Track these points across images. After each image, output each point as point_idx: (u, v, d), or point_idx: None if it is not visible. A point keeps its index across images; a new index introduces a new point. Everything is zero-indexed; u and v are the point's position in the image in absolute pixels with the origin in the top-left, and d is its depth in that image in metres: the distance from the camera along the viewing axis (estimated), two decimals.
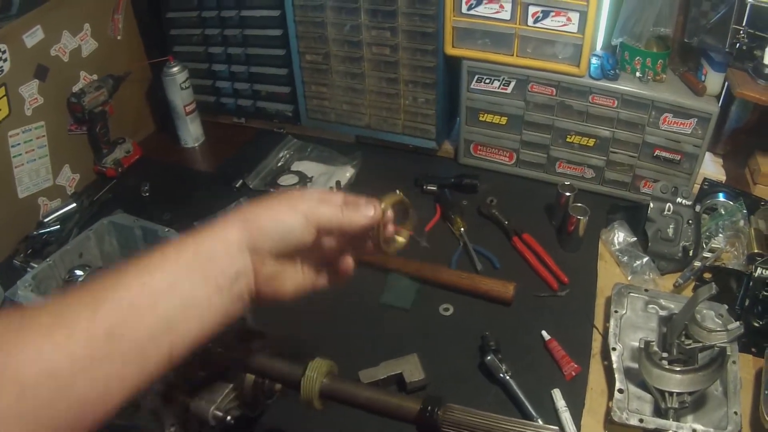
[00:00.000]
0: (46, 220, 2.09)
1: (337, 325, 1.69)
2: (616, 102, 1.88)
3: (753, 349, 1.56)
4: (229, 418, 1.25)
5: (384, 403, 1.10)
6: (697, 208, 1.82)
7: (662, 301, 1.64)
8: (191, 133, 2.45)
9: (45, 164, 2.10)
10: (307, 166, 2.26)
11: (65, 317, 0.68)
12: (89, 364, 0.67)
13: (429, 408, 1.05)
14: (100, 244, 1.56)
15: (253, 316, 1.45)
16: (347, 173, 2.20)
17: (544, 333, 1.61)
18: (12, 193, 2.01)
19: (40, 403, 0.63)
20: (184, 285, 0.77)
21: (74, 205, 2.13)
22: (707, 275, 1.70)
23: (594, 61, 1.88)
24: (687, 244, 1.77)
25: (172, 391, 1.27)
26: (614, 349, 1.51)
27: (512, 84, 1.98)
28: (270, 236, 0.87)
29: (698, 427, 1.33)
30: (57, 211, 2.12)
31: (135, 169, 2.35)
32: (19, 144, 1.98)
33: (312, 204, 0.91)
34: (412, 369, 1.51)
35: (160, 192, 2.22)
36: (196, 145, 2.49)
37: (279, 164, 2.29)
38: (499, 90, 2.01)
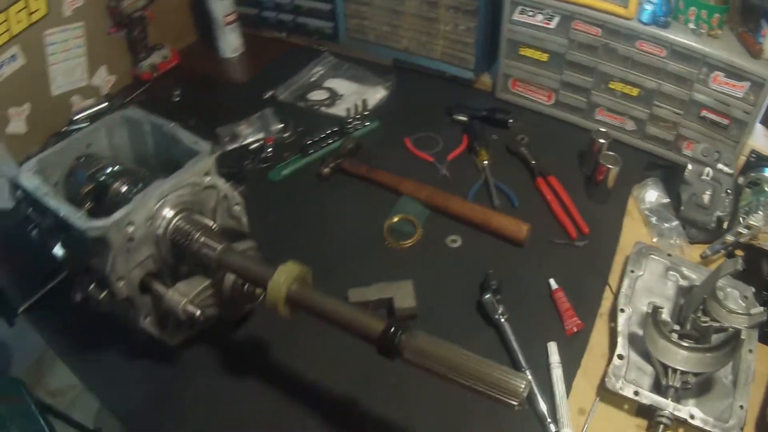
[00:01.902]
0: (76, 118, 2.10)
1: (337, 241, 1.68)
2: (665, 51, 1.76)
3: None
4: (198, 313, 1.22)
5: (349, 319, 1.07)
6: (740, 180, 1.72)
7: (685, 270, 1.55)
8: (229, 43, 2.44)
9: (81, 64, 2.11)
10: (339, 84, 2.23)
11: None
12: None
13: (392, 330, 1.00)
14: (110, 136, 1.52)
15: (246, 220, 1.45)
16: (378, 94, 2.16)
17: (551, 281, 1.54)
18: (44, 89, 2.04)
19: None
20: None
21: (105, 104, 2.15)
22: (739, 252, 1.61)
23: (647, 7, 1.75)
24: (722, 214, 1.67)
25: (149, 280, 1.27)
26: (623, 310, 1.43)
27: (556, 19, 1.88)
28: None
29: (697, 412, 1.25)
30: (89, 109, 2.13)
31: (170, 75, 2.37)
32: (55, 43, 1.99)
33: None
34: (403, 295, 1.46)
35: (190, 98, 2.24)
36: (234, 55, 2.47)
37: (312, 80, 2.26)
38: (542, 24, 1.90)
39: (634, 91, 1.87)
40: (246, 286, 1.29)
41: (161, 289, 1.26)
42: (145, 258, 1.26)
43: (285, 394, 1.36)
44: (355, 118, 2.01)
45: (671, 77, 1.79)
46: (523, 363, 1.35)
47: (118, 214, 1.18)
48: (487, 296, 1.44)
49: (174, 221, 1.26)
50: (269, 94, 2.18)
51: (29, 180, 1.31)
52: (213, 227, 1.29)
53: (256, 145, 1.96)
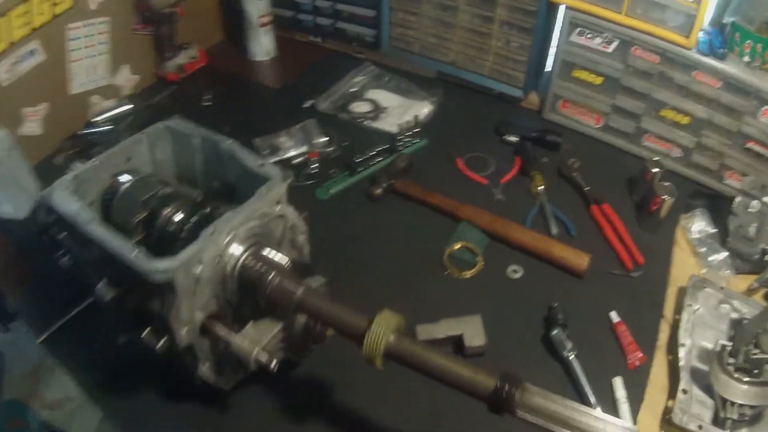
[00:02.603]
0: (96, 119, 2.03)
1: (394, 267, 1.65)
2: (719, 83, 1.76)
3: None
4: (274, 363, 1.14)
5: (456, 375, 1.03)
6: None
7: (736, 303, 1.55)
8: (262, 46, 2.39)
9: (104, 61, 2.05)
10: (382, 96, 2.19)
11: None
12: None
13: (506, 387, 0.98)
14: (152, 150, 1.39)
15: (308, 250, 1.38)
16: (424, 109, 2.13)
17: (613, 314, 1.53)
18: (63, 87, 1.97)
19: None
20: None
21: (130, 106, 2.08)
22: None
23: (702, 35, 1.76)
24: (767, 247, 1.67)
25: (211, 322, 1.17)
26: (683, 345, 1.44)
27: (615, 44, 1.88)
28: None
29: None
30: (110, 111, 2.06)
31: (198, 77, 2.31)
32: (79, 38, 1.94)
33: None
34: (473, 332, 1.43)
35: (221, 103, 2.18)
36: (267, 59, 2.43)
37: (352, 90, 2.22)
38: (600, 48, 1.90)
39: (685, 120, 1.87)
40: (318, 326, 1.21)
41: (225, 333, 1.16)
42: (209, 299, 1.15)
43: None
44: (405, 134, 1.96)
45: (723, 108, 1.79)
46: (593, 400, 1.34)
47: (186, 254, 1.07)
48: (556, 332, 1.43)
49: (243, 258, 1.16)
50: (309, 103, 2.14)
51: (67, 202, 1.18)
52: (286, 265, 1.18)
53: (299, 159, 1.89)
